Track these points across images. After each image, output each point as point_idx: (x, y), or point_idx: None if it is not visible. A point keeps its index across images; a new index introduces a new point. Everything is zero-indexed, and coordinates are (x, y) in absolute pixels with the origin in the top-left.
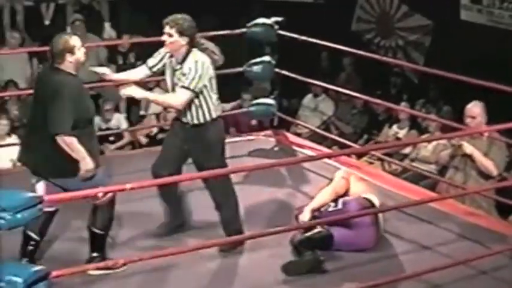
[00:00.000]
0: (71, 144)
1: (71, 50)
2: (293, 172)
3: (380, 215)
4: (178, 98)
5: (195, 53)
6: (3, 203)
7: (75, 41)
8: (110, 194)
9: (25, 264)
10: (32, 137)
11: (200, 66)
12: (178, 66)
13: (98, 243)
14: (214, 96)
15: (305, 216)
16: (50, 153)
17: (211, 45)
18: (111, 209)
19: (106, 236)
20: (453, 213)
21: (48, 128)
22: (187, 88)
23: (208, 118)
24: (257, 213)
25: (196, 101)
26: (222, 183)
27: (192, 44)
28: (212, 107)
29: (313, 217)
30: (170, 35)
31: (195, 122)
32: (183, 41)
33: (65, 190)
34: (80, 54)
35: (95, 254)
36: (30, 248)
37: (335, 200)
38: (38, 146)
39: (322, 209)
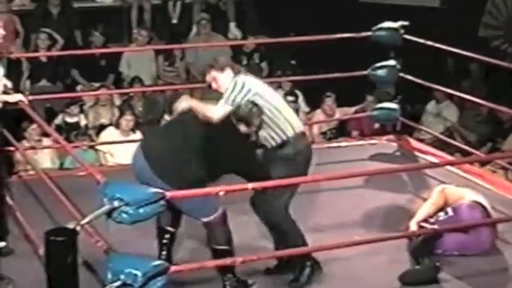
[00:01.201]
0: None
1: None
2: (414, 178)
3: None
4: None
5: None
6: (126, 198)
7: None
8: (220, 213)
9: (145, 258)
10: None
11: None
12: None
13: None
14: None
15: (413, 225)
16: None
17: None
18: (225, 224)
19: (231, 250)
20: None
21: None
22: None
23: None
24: (376, 217)
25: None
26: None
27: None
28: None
29: (421, 227)
30: (214, 79)
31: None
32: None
33: None
34: None
35: (229, 275)
36: (166, 240)
37: (441, 209)
38: None
39: (432, 220)
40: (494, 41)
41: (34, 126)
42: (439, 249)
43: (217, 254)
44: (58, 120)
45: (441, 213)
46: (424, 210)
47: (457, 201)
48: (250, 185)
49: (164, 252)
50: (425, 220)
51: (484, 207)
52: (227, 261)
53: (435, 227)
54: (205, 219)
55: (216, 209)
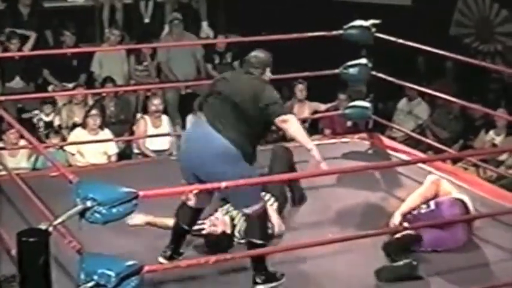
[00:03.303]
0: None
1: None
2: (387, 176)
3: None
4: None
5: None
6: (99, 197)
7: None
8: (260, 206)
9: (118, 258)
10: None
11: None
12: None
13: (261, 257)
14: None
15: (396, 220)
16: None
17: None
18: (265, 219)
19: (266, 245)
20: None
21: None
22: None
23: None
24: (349, 215)
25: None
26: None
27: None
28: None
29: (404, 220)
30: None
31: None
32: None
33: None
34: None
35: (261, 270)
36: (178, 236)
37: (426, 202)
38: None
39: (415, 212)
40: (465, 39)
41: (13, 130)
42: (415, 245)
43: (252, 248)
44: (31, 119)
45: (424, 206)
46: (410, 201)
47: (443, 196)
48: (223, 184)
49: (172, 246)
50: (409, 212)
51: (466, 206)
52: (201, 260)
53: (406, 224)
54: (246, 210)
55: (257, 201)
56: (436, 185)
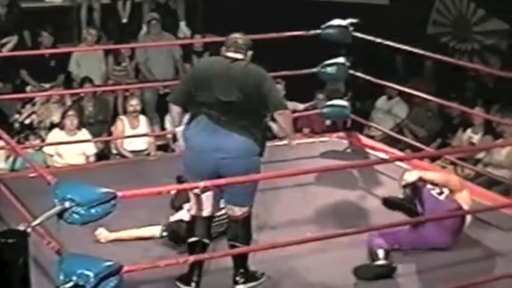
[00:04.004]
0: None
1: None
2: (365, 174)
3: (467, 221)
4: None
5: None
6: (77, 198)
7: None
8: (250, 210)
9: (97, 258)
10: None
11: None
12: None
13: (242, 257)
14: None
15: (412, 176)
16: None
17: None
18: (250, 222)
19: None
20: None
21: None
22: None
23: None
24: (327, 214)
25: None
26: None
27: None
28: None
29: (414, 188)
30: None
31: None
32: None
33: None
34: None
35: (241, 270)
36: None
37: (442, 190)
38: None
39: (429, 186)
40: (442, 38)
41: None
42: (396, 244)
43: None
44: (11, 120)
45: (437, 190)
46: (436, 175)
47: (453, 192)
48: (201, 183)
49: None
50: (423, 181)
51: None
52: (180, 260)
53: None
54: (239, 211)
55: (251, 202)
56: (462, 185)
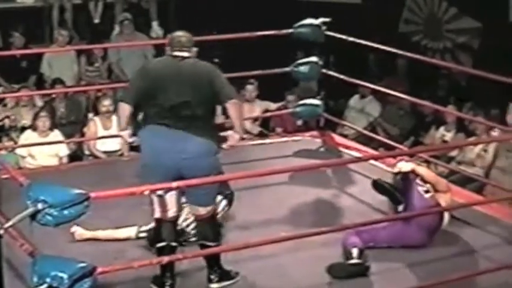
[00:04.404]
0: None
1: None
2: (339, 173)
3: (445, 220)
4: None
5: None
6: (50, 199)
7: None
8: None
9: (71, 260)
10: None
11: None
12: None
13: (214, 256)
14: None
15: (406, 166)
16: None
17: None
18: (216, 219)
19: (220, 245)
20: (499, 216)
21: None
22: None
23: None
24: (301, 213)
25: None
26: None
27: None
28: None
29: (405, 179)
30: None
31: None
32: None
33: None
34: None
35: (215, 269)
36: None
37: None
38: None
39: (419, 182)
40: (414, 37)
41: None
42: (371, 242)
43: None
44: None
45: (424, 188)
46: (429, 172)
47: (438, 193)
48: (174, 184)
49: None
50: (415, 175)
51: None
52: (153, 261)
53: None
54: (203, 211)
55: (214, 201)
56: (449, 188)
